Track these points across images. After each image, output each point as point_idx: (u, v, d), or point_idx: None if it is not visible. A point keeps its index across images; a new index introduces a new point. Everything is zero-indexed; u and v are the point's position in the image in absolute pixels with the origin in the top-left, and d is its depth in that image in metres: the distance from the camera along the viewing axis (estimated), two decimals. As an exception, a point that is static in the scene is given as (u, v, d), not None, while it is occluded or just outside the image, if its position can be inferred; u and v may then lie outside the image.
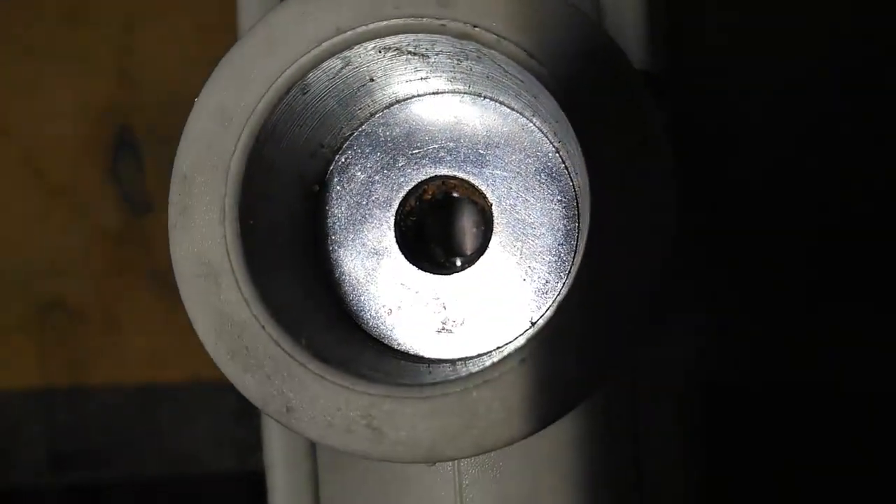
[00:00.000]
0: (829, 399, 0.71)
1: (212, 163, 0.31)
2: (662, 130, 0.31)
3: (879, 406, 0.71)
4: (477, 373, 0.30)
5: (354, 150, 0.39)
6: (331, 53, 0.31)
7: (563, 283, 0.37)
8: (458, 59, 0.33)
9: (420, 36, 0.31)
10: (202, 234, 0.32)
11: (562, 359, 0.30)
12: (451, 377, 0.31)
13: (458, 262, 0.40)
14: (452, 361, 0.38)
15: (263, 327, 0.31)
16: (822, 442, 0.72)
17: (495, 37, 0.30)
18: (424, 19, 0.30)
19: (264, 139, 0.32)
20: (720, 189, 0.71)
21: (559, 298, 0.36)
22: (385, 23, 0.31)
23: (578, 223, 0.37)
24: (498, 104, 0.38)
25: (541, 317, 0.38)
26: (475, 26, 0.30)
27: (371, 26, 0.31)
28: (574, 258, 0.37)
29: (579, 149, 0.30)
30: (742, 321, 0.71)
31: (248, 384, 0.32)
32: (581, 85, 0.30)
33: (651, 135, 0.31)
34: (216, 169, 0.31)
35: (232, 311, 0.32)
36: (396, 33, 0.31)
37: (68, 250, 0.99)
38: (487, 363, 0.33)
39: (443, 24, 0.30)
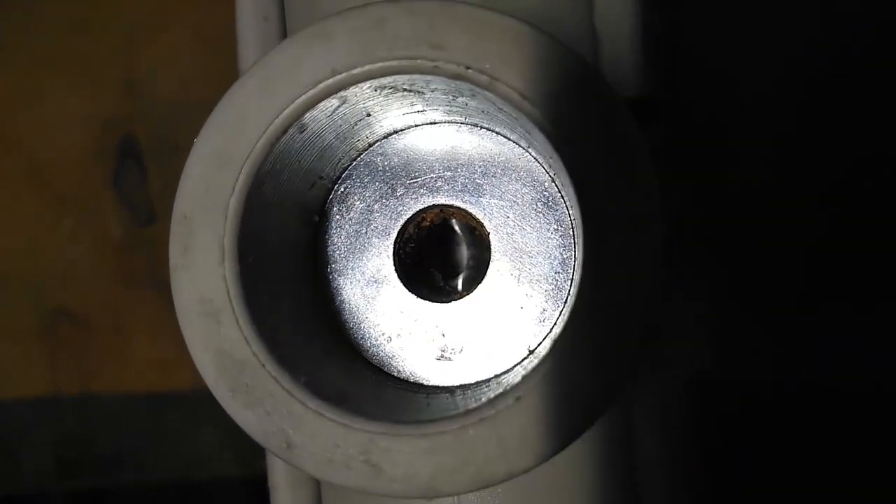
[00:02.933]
0: (828, 400, 0.71)
1: (210, 204, 0.32)
2: (653, 167, 0.31)
3: (879, 406, 0.71)
4: (474, 410, 0.31)
5: (353, 179, 0.39)
6: (327, 94, 0.31)
7: (560, 312, 0.38)
8: (454, 96, 0.34)
9: (415, 76, 0.31)
10: (203, 274, 0.32)
11: (558, 396, 0.30)
12: (449, 412, 0.32)
13: (457, 290, 0.41)
14: (451, 390, 0.38)
15: (263, 365, 0.32)
16: (822, 442, 0.72)
17: (488, 78, 0.30)
18: (418, 60, 0.31)
19: (262, 178, 0.32)
20: (715, 186, 0.70)
21: (555, 330, 0.36)
22: (379, 64, 0.31)
23: (574, 252, 0.38)
24: (494, 134, 0.38)
25: (538, 345, 0.38)
26: (468, 67, 0.30)
27: (366, 67, 0.31)
28: (570, 287, 0.38)
29: (572, 186, 0.31)
30: (740, 320, 0.71)
31: (248, 420, 0.32)
32: (573, 124, 0.30)
33: (642, 171, 0.31)
34: (215, 210, 0.32)
35: (233, 349, 0.32)
36: (390, 74, 0.31)
37: (74, 259, 0.99)
38: (485, 396, 0.33)
39: (436, 66, 0.30)
